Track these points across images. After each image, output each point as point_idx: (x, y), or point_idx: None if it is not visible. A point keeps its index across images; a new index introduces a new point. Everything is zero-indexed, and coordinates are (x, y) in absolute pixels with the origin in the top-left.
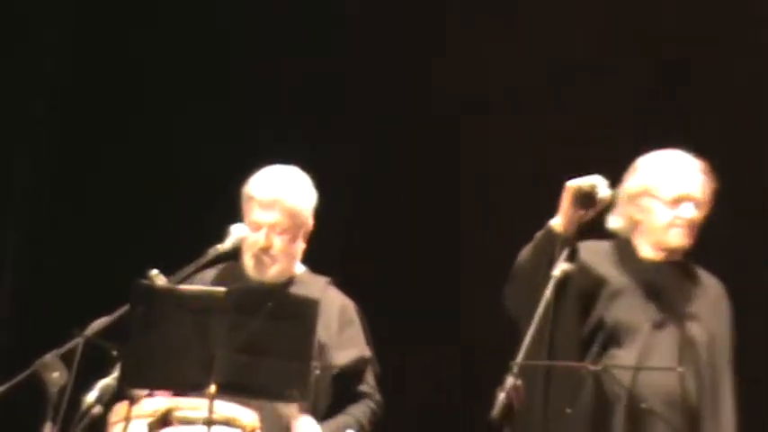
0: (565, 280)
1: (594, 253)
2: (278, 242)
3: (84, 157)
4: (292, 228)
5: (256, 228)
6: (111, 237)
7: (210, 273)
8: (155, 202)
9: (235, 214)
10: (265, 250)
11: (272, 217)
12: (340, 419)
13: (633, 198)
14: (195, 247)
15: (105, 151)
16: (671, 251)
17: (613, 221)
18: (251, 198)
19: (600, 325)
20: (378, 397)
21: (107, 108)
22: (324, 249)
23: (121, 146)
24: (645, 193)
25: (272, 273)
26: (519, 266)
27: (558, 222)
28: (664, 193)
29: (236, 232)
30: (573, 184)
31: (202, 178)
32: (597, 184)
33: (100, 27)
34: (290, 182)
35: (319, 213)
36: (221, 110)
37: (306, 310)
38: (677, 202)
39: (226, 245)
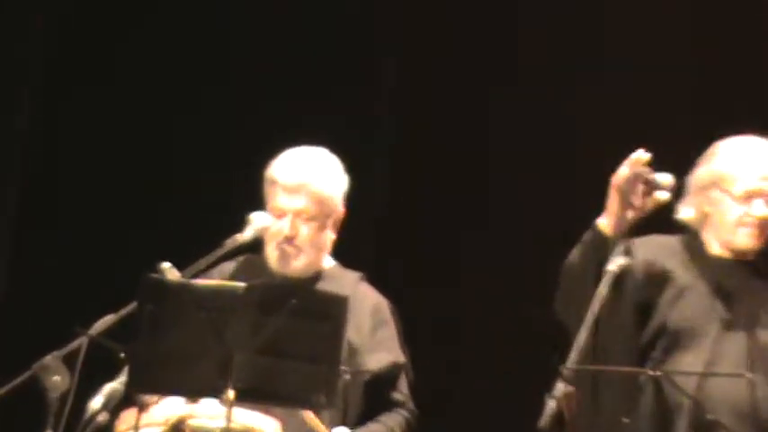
0: (621, 276)
1: (657, 249)
2: (304, 231)
3: (83, 144)
4: (320, 215)
5: (280, 215)
6: (118, 227)
7: (228, 266)
8: (164, 190)
9: (255, 202)
10: (290, 240)
11: (298, 203)
12: (372, 428)
13: (703, 188)
14: (212, 237)
15: (105, 136)
16: (739, 251)
17: (684, 212)
18: (274, 182)
19: (661, 327)
20: (412, 406)
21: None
22: (356, 241)
23: (126, 133)
24: (715, 185)
25: (298, 266)
26: (567, 269)
27: (605, 223)
28: (735, 187)
29: (257, 221)
30: (623, 178)
31: (215, 167)
32: (650, 176)
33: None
34: (318, 164)
35: (351, 201)
36: (226, 96)
37: (334, 309)
38: (749, 197)
39: (246, 235)
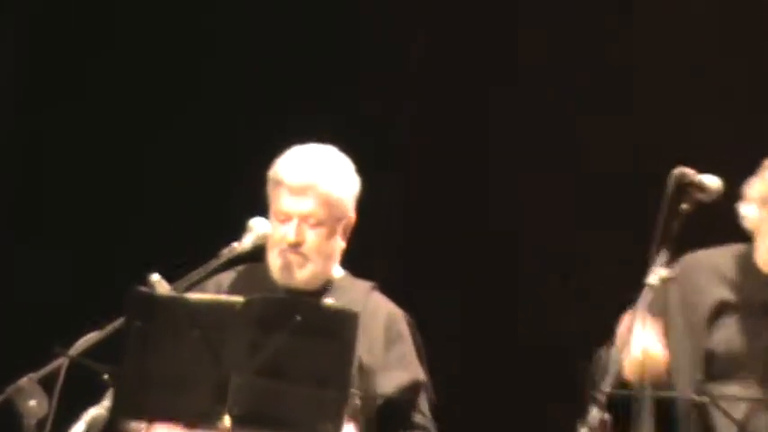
0: (663, 290)
1: (704, 264)
2: (311, 237)
3: (63, 147)
4: (329, 220)
5: (285, 219)
6: (103, 239)
7: (225, 278)
8: (155, 194)
9: (255, 208)
10: (295, 247)
11: (305, 206)
12: None
13: (763, 201)
14: (207, 247)
15: (89, 142)
16: None
17: (746, 221)
18: (279, 182)
19: (706, 348)
20: (434, 430)
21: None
22: (368, 249)
23: (114, 138)
24: (764, 199)
25: (303, 276)
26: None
27: None
28: None
29: (257, 227)
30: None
31: (211, 173)
32: (697, 179)
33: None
34: (327, 164)
35: (363, 205)
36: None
37: (343, 325)
38: None
39: (245, 243)
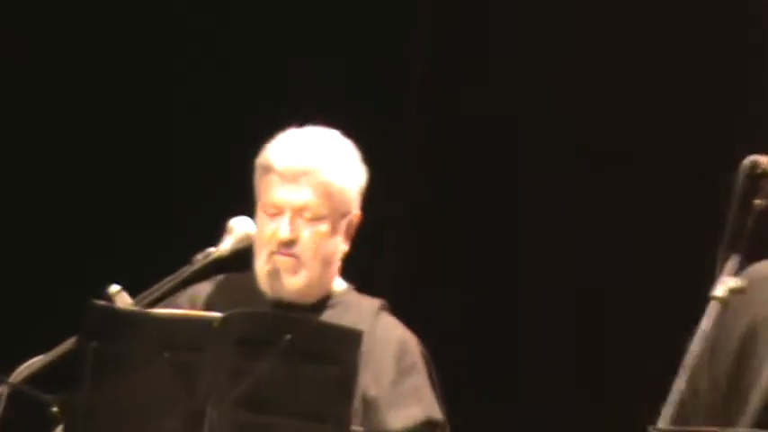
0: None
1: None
2: (307, 235)
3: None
4: (330, 215)
5: (275, 213)
6: (50, 241)
7: (201, 290)
8: (106, 191)
9: (237, 207)
10: (288, 246)
11: (300, 196)
12: None
13: None
14: (179, 253)
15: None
16: None
17: None
18: (269, 168)
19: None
20: None
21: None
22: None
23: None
24: None
25: (296, 285)
26: None
27: None
28: None
29: (239, 228)
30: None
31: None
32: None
33: None
34: (328, 147)
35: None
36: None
37: (344, 347)
38: None
39: (223, 246)
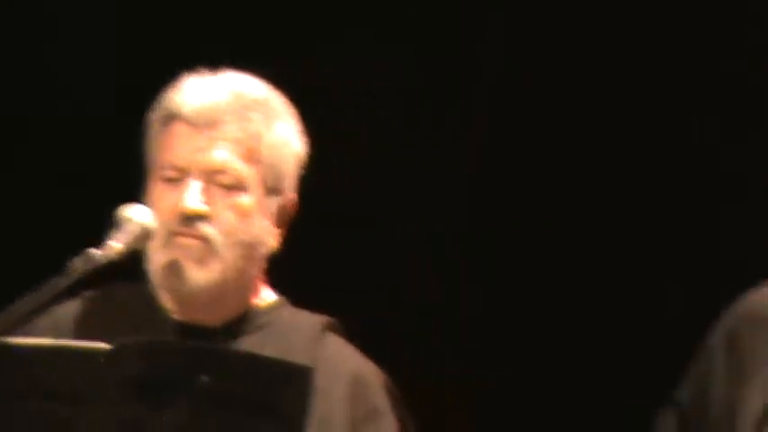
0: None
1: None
2: (222, 208)
3: None
4: (254, 186)
5: (178, 176)
6: None
7: (69, 310)
8: None
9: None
10: (195, 221)
11: (216, 154)
12: None
13: None
14: (53, 259)
15: None
16: None
17: None
18: (171, 116)
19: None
20: None
21: None
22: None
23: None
24: None
25: (204, 281)
26: None
27: None
28: None
29: (134, 219)
30: None
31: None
32: None
33: None
34: (257, 95)
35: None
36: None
37: (288, 393)
38: None
39: (113, 246)
